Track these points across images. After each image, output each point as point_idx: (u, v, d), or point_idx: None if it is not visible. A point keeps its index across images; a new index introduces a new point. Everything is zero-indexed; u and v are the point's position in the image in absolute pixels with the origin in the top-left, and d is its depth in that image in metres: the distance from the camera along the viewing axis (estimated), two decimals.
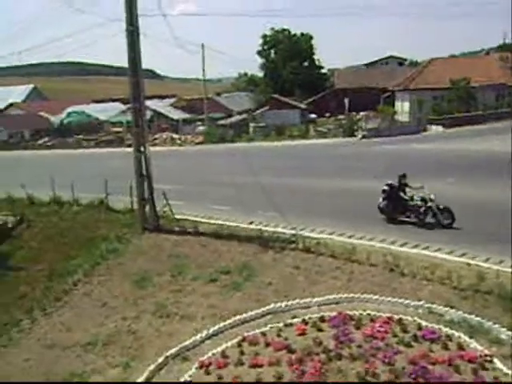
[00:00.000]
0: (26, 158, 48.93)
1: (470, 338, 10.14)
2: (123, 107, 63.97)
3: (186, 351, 10.94)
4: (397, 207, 18.49)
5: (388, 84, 63.51)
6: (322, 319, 11.20)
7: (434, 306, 11.62)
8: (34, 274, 17.73)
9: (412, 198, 18.25)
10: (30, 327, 13.92)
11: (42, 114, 69.24)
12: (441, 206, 17.51)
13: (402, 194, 18.47)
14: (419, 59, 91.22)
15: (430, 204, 17.64)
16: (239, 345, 10.60)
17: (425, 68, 58.53)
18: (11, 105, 75.48)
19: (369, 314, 11.30)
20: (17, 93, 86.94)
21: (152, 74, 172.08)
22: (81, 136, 59.96)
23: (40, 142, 59.77)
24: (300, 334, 10.69)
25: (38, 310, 14.76)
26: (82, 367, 11.34)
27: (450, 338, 10.12)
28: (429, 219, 17.73)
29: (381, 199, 18.69)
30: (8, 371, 11.92)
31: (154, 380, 10.11)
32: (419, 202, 17.98)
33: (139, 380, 10.02)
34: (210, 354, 10.47)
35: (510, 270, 13.17)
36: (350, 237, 17.24)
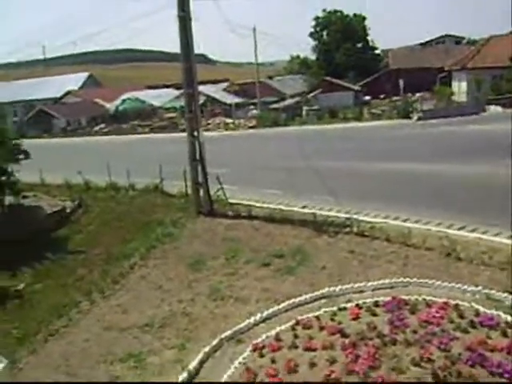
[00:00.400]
0: (83, 145, 50.15)
1: None
2: (176, 93, 64.44)
3: (240, 334, 11.05)
4: None
5: (444, 64, 61.62)
6: (377, 304, 11.07)
7: (493, 291, 11.31)
8: (92, 258, 18.23)
9: None
10: (88, 309, 14.34)
11: (97, 101, 70.70)
12: None
13: None
14: (477, 37, 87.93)
15: None
16: (293, 328, 10.60)
17: (483, 46, 56.27)
18: (68, 93, 77.13)
19: (424, 299, 11.08)
20: (73, 81, 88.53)
21: (204, 59, 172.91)
22: (135, 122, 60.97)
23: (96, 128, 61.16)
24: (354, 319, 10.59)
25: (96, 292, 15.18)
26: (139, 348, 11.64)
27: (509, 324, 9.80)
28: None
29: None
30: (69, 351, 12.33)
31: (207, 364, 10.27)
32: None
33: (194, 362, 10.18)
34: (263, 336, 10.52)
35: None
36: (405, 220, 16.97)
